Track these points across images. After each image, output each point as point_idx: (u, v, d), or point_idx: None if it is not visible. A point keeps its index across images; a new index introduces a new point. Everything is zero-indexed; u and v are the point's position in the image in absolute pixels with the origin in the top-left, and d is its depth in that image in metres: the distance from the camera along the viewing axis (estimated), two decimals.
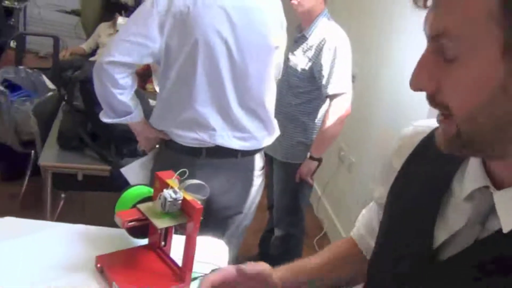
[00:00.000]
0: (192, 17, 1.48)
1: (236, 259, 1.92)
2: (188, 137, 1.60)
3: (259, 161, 1.78)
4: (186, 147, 1.62)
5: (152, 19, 1.47)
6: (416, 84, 0.55)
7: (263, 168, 1.82)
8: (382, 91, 2.64)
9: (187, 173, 1.06)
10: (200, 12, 1.49)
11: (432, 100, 0.55)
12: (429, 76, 0.54)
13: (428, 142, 0.72)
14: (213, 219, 1.76)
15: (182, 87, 1.57)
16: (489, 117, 0.51)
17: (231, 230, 1.83)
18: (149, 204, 1.06)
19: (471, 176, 0.62)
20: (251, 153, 1.72)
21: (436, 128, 0.59)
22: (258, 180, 1.80)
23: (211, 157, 1.64)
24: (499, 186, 0.59)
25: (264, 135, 1.72)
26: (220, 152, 1.64)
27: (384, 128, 2.57)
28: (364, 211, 0.95)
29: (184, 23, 1.49)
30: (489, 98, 0.50)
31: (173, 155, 1.64)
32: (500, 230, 0.56)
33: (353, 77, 2.82)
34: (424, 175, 0.69)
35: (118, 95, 1.54)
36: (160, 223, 1.00)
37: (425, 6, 0.53)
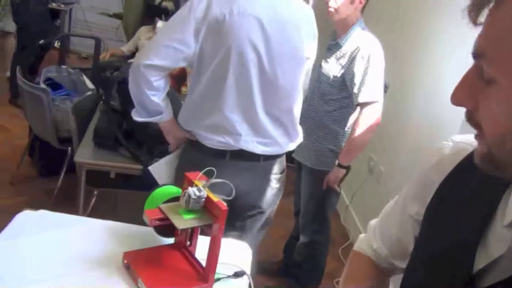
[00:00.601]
0: (228, 25, 1.52)
1: (259, 263, 1.93)
2: (214, 139, 1.64)
3: (279, 165, 1.80)
4: (211, 149, 1.66)
5: (188, 25, 1.52)
6: (455, 99, 0.55)
7: (282, 172, 1.84)
8: (415, 102, 2.61)
9: (215, 172, 1.08)
10: (236, 21, 1.52)
11: (469, 117, 0.55)
12: (468, 94, 0.53)
13: (471, 161, 0.69)
14: (234, 219, 1.79)
15: (212, 91, 1.61)
16: None
17: (252, 229, 1.86)
18: (173, 203, 1.08)
19: None
20: (273, 158, 1.75)
21: None
22: (277, 184, 1.82)
23: (235, 159, 1.68)
24: None
25: (286, 141, 1.75)
26: (244, 156, 1.67)
27: (416, 139, 2.53)
28: (374, 225, 0.91)
29: (219, 31, 1.52)
30: None
31: (198, 156, 1.68)
32: None
33: (386, 87, 2.79)
34: (468, 197, 0.67)
35: (151, 96, 1.60)
36: (180, 224, 1.01)
37: (475, 23, 0.52)
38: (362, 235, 0.97)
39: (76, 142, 2.44)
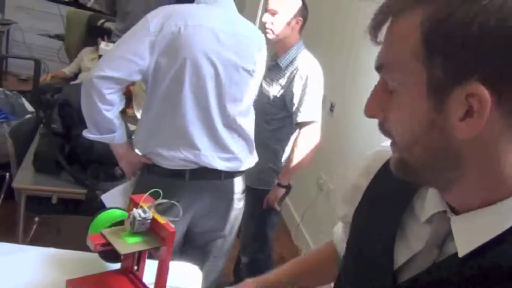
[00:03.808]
0: (183, 38, 1.53)
1: (215, 283, 1.90)
2: (173, 157, 1.61)
3: (240, 184, 1.79)
4: (169, 170, 1.62)
5: (143, 38, 1.52)
6: (368, 111, 0.60)
7: (244, 192, 1.83)
8: (361, 119, 2.69)
9: (161, 193, 1.05)
10: (191, 33, 1.54)
11: (381, 127, 0.60)
12: (378, 105, 0.59)
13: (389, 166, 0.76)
14: (197, 243, 1.76)
15: (168, 105, 1.59)
16: (425, 149, 0.55)
17: (214, 254, 1.82)
18: (116, 227, 1.04)
19: (431, 200, 0.64)
20: (234, 175, 1.74)
21: None
22: (239, 203, 1.81)
23: (195, 178, 1.65)
24: (456, 211, 0.61)
25: (246, 156, 1.75)
26: (204, 173, 1.65)
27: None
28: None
29: (174, 43, 1.53)
30: (422, 131, 0.54)
31: (156, 179, 1.63)
32: (456, 253, 0.58)
33: (332, 105, 2.87)
34: (385, 195, 0.73)
35: (104, 111, 1.55)
36: (124, 249, 0.98)
37: (376, 41, 0.58)
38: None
39: (14, 167, 2.32)
